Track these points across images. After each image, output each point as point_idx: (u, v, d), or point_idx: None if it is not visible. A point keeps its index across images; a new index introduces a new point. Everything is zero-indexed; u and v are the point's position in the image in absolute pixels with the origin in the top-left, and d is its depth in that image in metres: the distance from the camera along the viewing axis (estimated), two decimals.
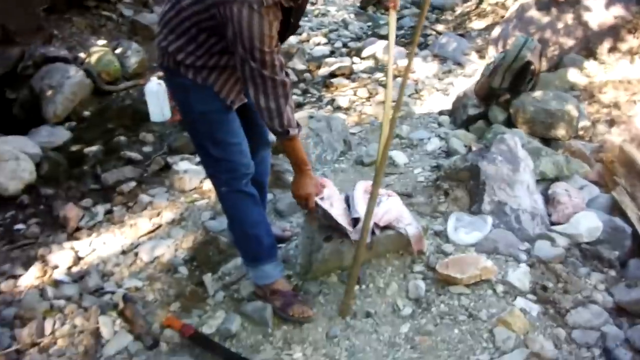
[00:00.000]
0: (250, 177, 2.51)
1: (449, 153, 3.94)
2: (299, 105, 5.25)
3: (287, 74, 2.14)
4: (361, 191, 2.80)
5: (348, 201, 2.80)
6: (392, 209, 2.71)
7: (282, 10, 2.01)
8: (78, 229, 3.73)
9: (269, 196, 3.35)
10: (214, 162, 2.46)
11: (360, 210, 2.64)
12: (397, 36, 7.00)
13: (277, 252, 2.70)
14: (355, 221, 2.62)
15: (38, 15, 6.19)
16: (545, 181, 3.42)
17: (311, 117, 4.11)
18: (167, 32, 2.22)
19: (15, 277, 3.33)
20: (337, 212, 2.57)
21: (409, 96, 5.20)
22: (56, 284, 3.20)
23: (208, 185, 3.91)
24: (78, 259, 3.41)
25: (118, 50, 6.04)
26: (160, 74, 5.75)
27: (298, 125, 2.24)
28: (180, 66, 2.22)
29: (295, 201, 2.55)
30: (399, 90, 2.41)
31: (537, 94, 4.11)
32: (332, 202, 2.55)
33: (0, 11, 5.90)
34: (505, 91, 4.15)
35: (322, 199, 2.53)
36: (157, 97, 5.01)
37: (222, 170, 2.45)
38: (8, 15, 5.88)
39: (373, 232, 2.61)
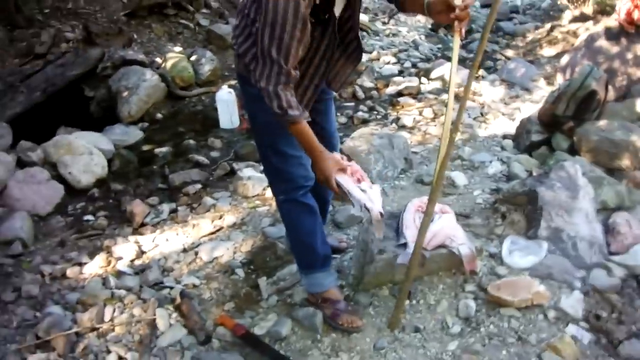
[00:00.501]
0: (308, 188, 2.56)
1: (509, 177, 3.92)
2: (365, 122, 5.31)
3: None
4: (412, 212, 2.85)
5: (398, 222, 2.86)
6: (440, 232, 2.73)
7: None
8: (143, 224, 3.91)
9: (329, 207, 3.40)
10: (274, 171, 2.55)
11: (409, 235, 2.70)
12: (465, 59, 7.03)
13: (331, 262, 2.75)
14: (402, 246, 2.69)
15: (119, 20, 6.50)
16: (606, 210, 3.36)
17: (373, 134, 4.17)
18: (237, 34, 2.31)
19: (81, 264, 3.53)
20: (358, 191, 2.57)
21: (474, 119, 5.19)
22: (119, 274, 3.38)
23: (270, 192, 4.02)
24: (141, 253, 3.58)
25: (193, 58, 6.27)
26: (232, 82, 5.97)
27: (303, 111, 2.19)
28: (249, 71, 2.27)
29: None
30: (458, 111, 2.43)
31: (602, 123, 4.06)
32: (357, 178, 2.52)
33: (84, 14, 6.25)
34: (569, 119, 4.11)
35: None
36: (227, 105, 5.19)
37: (280, 179, 2.54)
38: (91, 18, 6.21)
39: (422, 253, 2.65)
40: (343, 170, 2.29)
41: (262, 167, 4.38)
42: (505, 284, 2.67)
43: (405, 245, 2.68)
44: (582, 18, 7.13)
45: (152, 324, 2.89)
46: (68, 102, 5.56)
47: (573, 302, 2.62)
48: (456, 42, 2.25)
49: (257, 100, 2.30)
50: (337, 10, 2.21)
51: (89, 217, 4.07)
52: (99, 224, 3.96)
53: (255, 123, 2.50)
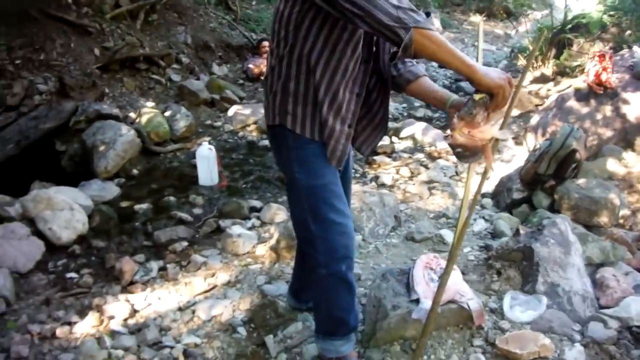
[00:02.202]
0: (352, 261, 2.40)
1: (495, 234, 4.06)
2: None
3: None
4: (421, 268, 2.91)
5: (408, 279, 2.91)
6: (451, 287, 2.79)
7: None
8: (132, 282, 3.83)
9: None
10: (313, 240, 2.34)
11: (420, 291, 2.75)
12: (432, 119, 7.27)
13: (355, 330, 2.65)
14: (414, 302, 2.74)
15: (92, 73, 6.49)
16: (590, 266, 3.53)
17: (365, 192, 4.27)
18: (270, 78, 2.27)
19: (70, 324, 3.41)
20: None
21: (450, 177, 5.37)
22: (113, 334, 3.28)
23: (261, 250, 4.04)
24: (134, 312, 3.49)
25: (167, 113, 6.29)
26: (207, 138, 6.00)
27: (428, 16, 1.91)
28: (284, 112, 2.22)
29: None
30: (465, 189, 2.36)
31: (581, 181, 4.27)
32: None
33: (57, 66, 6.22)
34: (551, 177, 4.30)
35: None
36: (207, 162, 5.20)
37: (321, 250, 2.32)
38: (64, 70, 6.18)
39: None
40: (510, 81, 1.95)
41: (249, 224, 4.44)
42: (512, 337, 2.74)
43: (418, 300, 2.73)
44: (542, 79, 7.50)
45: None
46: (40, 156, 5.48)
47: (576, 354, 2.71)
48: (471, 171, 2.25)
49: (296, 160, 2.25)
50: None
51: (72, 274, 3.96)
52: (84, 281, 3.86)
53: (294, 185, 2.32)
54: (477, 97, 1.91)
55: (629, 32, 7.52)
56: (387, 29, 1.86)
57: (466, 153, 2.00)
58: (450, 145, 2.03)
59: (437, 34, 1.88)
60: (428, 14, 1.90)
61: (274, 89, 2.24)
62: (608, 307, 3.13)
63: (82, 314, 3.50)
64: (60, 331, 3.33)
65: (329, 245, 2.30)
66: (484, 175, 2.30)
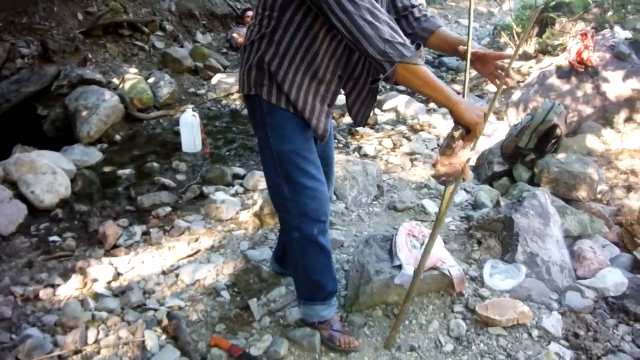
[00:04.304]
0: (324, 226, 2.43)
1: (475, 205, 4.11)
2: None
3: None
4: (403, 235, 2.96)
5: (391, 245, 2.96)
6: (432, 254, 2.84)
7: None
8: (116, 246, 3.85)
9: None
10: (286, 204, 2.37)
11: (403, 257, 2.80)
12: (414, 93, 7.28)
13: (335, 295, 2.71)
14: (397, 268, 2.79)
15: (75, 37, 6.40)
16: (568, 238, 3.60)
17: (349, 160, 4.29)
18: (248, 50, 2.27)
19: (54, 286, 3.44)
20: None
21: (432, 150, 5.40)
22: (97, 296, 3.30)
23: (244, 216, 4.06)
24: (118, 275, 3.51)
25: (151, 80, 6.25)
26: (190, 106, 5.96)
27: (418, 49, 1.94)
28: (259, 84, 2.24)
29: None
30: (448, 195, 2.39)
31: (561, 156, 4.34)
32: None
33: (40, 30, 6.12)
34: (531, 151, 4.36)
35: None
36: (191, 128, 5.19)
37: (294, 214, 2.37)
38: (47, 34, 6.09)
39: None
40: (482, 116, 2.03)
41: (233, 191, 4.46)
42: (492, 304, 2.80)
43: (400, 266, 2.77)
44: (524, 57, 7.55)
45: (142, 346, 2.83)
46: (21, 120, 5.42)
47: (553, 322, 2.78)
48: (447, 191, 2.33)
49: (270, 126, 2.27)
50: None
51: (55, 237, 3.97)
52: (67, 245, 3.86)
53: (267, 150, 2.34)
54: (456, 134, 2.03)
55: (610, 12, 7.59)
56: (372, 58, 1.91)
57: (449, 179, 2.15)
58: (435, 176, 2.16)
59: (421, 69, 1.93)
60: (418, 46, 1.94)
61: (251, 62, 2.24)
62: (585, 278, 3.21)
63: (65, 276, 3.53)
64: (44, 293, 3.35)
65: (301, 208, 2.33)
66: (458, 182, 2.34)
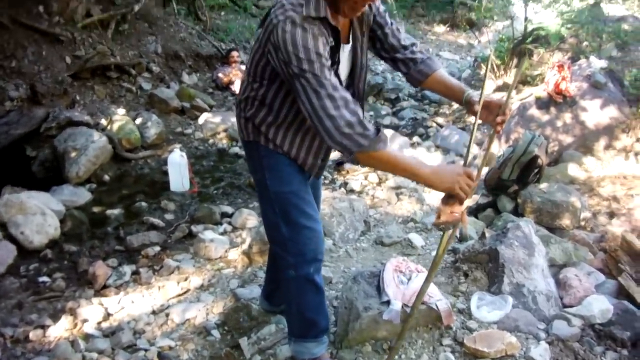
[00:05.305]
0: (320, 264, 2.49)
1: (461, 238, 4.16)
2: None
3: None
4: (391, 271, 3.00)
5: (379, 281, 3.00)
6: (418, 288, 2.89)
7: (334, 39, 2.09)
8: (105, 286, 3.86)
9: None
10: (284, 243, 2.41)
11: (390, 293, 2.83)
12: (399, 127, 7.40)
13: (327, 332, 2.73)
14: (385, 304, 2.82)
15: (64, 80, 6.47)
16: (554, 267, 3.66)
17: (335, 197, 4.35)
18: (242, 99, 2.37)
19: (44, 327, 3.44)
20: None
21: (417, 183, 5.47)
22: (87, 337, 3.31)
23: (233, 254, 4.09)
24: (108, 315, 3.53)
25: (138, 121, 6.31)
26: (178, 145, 6.02)
27: (378, 133, 1.99)
28: (257, 133, 2.34)
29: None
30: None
31: (543, 186, 4.42)
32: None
33: (29, 73, 6.20)
34: (514, 183, 4.45)
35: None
36: (179, 168, 5.24)
37: (291, 252, 2.40)
38: (36, 77, 6.16)
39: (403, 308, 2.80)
40: (468, 174, 2.04)
41: (221, 229, 4.49)
42: (480, 336, 2.83)
43: (388, 302, 2.81)
44: (505, 88, 7.69)
45: None
46: (10, 161, 5.45)
47: (541, 351, 2.80)
48: (445, 237, 2.37)
49: (267, 168, 2.35)
50: (342, 74, 2.30)
51: (45, 278, 3.98)
52: (57, 285, 3.88)
53: (265, 192, 2.40)
54: None
55: (585, 43, 7.78)
56: (333, 147, 2.02)
57: (449, 226, 2.18)
58: (436, 224, 2.18)
59: (382, 153, 1.99)
60: (378, 130, 1.99)
61: (246, 116, 2.35)
62: (571, 306, 3.24)
63: (56, 317, 3.53)
64: (34, 334, 3.36)
65: (300, 248, 2.38)
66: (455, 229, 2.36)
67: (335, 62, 2.16)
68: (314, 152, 2.39)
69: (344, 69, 2.29)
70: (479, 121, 2.32)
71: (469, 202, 2.15)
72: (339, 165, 5.79)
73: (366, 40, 2.37)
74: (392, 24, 2.45)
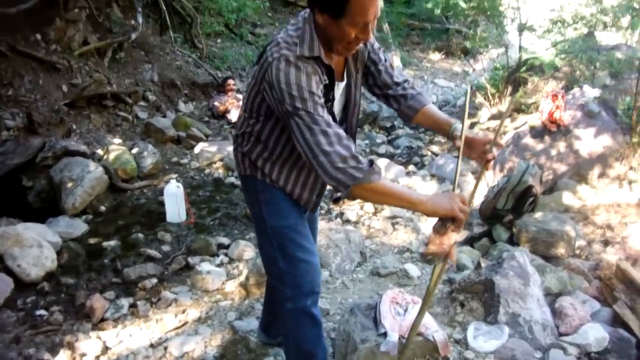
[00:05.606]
0: (317, 297, 2.52)
1: (457, 268, 4.20)
2: None
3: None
4: (387, 303, 3.03)
5: (375, 313, 3.02)
6: (414, 320, 2.91)
7: (328, 78, 2.15)
8: (103, 319, 3.85)
9: None
10: (281, 276, 2.45)
11: (387, 325, 2.86)
12: (394, 155, 7.45)
13: None
14: (382, 335, 2.84)
15: (60, 109, 6.51)
16: (549, 295, 3.69)
17: (331, 229, 4.38)
18: (239, 134, 2.42)
19: None
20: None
21: (413, 213, 5.51)
22: None
23: (230, 286, 4.11)
24: (106, 349, 3.51)
25: (134, 150, 6.34)
26: (174, 175, 6.05)
27: (371, 166, 2.02)
28: (253, 168, 2.39)
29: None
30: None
31: (538, 215, 4.47)
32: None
33: (25, 102, 6.24)
34: (509, 212, 4.49)
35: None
36: (175, 199, 5.26)
37: (288, 285, 2.44)
38: (32, 106, 6.21)
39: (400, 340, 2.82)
40: (461, 199, 2.09)
41: (218, 261, 4.50)
42: None
43: (385, 334, 2.83)
44: (499, 116, 7.77)
45: None
46: (6, 192, 5.46)
47: None
48: (437, 269, 2.39)
49: (264, 202, 2.39)
50: (336, 110, 2.36)
51: (42, 311, 3.96)
52: (54, 319, 3.86)
53: (263, 225, 2.46)
54: None
55: (579, 72, 7.89)
56: (328, 182, 2.05)
57: (437, 259, 2.19)
58: (423, 254, 2.21)
59: (377, 184, 2.02)
60: (371, 163, 2.04)
61: (243, 151, 2.41)
62: (567, 335, 3.28)
63: (54, 351, 3.52)
64: None
65: (297, 281, 2.42)
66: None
67: (329, 100, 2.22)
68: (309, 188, 2.44)
69: (337, 105, 2.36)
70: (463, 156, 2.35)
71: (457, 237, 2.16)
72: (335, 201, 5.82)
73: (360, 76, 2.43)
74: (385, 60, 2.50)
